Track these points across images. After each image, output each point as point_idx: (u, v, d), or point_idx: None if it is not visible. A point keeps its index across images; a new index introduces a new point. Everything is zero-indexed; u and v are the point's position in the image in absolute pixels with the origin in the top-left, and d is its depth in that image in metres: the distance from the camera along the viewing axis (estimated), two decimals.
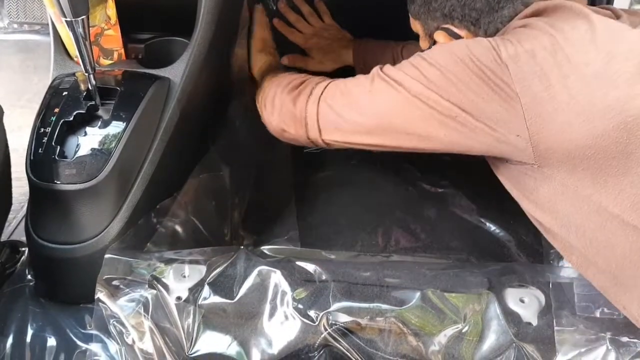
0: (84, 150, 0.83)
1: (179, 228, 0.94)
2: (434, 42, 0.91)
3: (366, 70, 1.27)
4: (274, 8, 1.32)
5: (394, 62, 1.19)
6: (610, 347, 0.76)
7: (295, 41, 1.30)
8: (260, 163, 1.19)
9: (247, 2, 1.11)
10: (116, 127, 0.85)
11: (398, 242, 1.07)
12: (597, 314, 0.79)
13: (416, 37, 0.98)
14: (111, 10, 0.95)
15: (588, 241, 0.75)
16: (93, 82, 0.85)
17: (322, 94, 0.86)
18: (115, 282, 0.80)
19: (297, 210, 1.14)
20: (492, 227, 1.06)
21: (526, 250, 0.86)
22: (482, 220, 1.07)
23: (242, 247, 0.90)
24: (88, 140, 0.84)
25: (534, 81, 0.71)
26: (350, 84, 0.85)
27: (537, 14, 0.81)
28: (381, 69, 0.82)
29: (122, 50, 1.00)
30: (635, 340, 0.76)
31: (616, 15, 0.80)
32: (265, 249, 1.00)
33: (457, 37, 0.88)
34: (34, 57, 1.62)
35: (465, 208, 1.10)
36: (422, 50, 0.94)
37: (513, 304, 0.82)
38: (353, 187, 1.19)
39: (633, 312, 0.74)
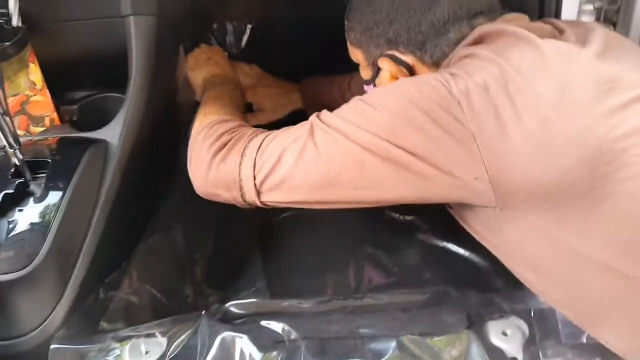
0: (16, 235, 0.76)
1: (133, 299, 0.88)
2: (378, 70, 0.85)
3: (318, 110, 1.24)
4: None
5: (342, 97, 1.16)
6: None
7: None
8: (219, 212, 1.13)
9: (182, 49, 1.06)
10: (50, 201, 0.79)
11: (371, 280, 1.02)
12: (584, 340, 0.76)
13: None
14: (35, 75, 0.89)
15: (560, 282, 0.72)
16: (20, 156, 0.80)
17: (257, 152, 0.77)
18: None
19: (262, 258, 1.07)
20: (466, 253, 1.01)
21: (503, 273, 0.82)
22: (454, 247, 1.03)
23: (204, 312, 0.84)
24: (20, 222, 0.77)
25: (488, 118, 0.66)
26: (287, 138, 0.77)
27: (480, 40, 0.75)
28: (319, 117, 0.76)
29: (54, 115, 0.95)
30: None
31: (559, 30, 0.75)
32: (231, 305, 0.94)
33: (403, 63, 0.82)
34: None
35: (435, 235, 1.05)
36: (366, 81, 0.90)
37: (496, 339, 0.78)
38: (319, 224, 1.12)
39: (618, 347, 0.70)
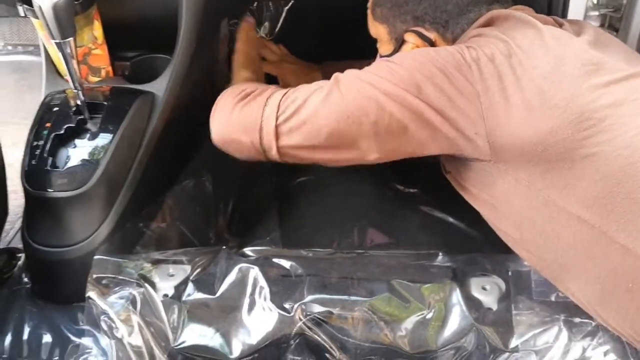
0: (74, 161, 0.90)
1: (165, 232, 1.01)
2: (400, 45, 0.95)
3: None
4: None
5: None
6: (562, 327, 0.82)
7: (267, 70, 1.23)
8: (243, 170, 1.25)
9: (227, 21, 1.18)
10: (104, 138, 0.92)
11: (373, 240, 1.14)
12: (552, 298, 0.86)
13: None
14: (98, 31, 1.02)
15: (538, 233, 0.81)
16: (82, 97, 0.93)
17: (282, 97, 0.83)
18: (105, 281, 0.87)
19: (278, 214, 1.20)
20: (459, 223, 1.13)
21: (491, 242, 0.93)
22: (450, 217, 1.14)
23: (224, 247, 0.96)
24: (78, 151, 0.91)
25: (492, 82, 0.77)
26: (312, 87, 0.84)
27: (489, 23, 0.88)
28: (343, 72, 0.84)
29: (110, 68, 1.07)
30: (587, 321, 0.83)
31: (558, 24, 0.88)
32: (248, 249, 1.06)
33: (427, 39, 0.92)
34: (28, 77, 1.69)
35: (434, 206, 1.17)
36: (383, 56, 0.98)
37: (475, 292, 0.88)
38: (331, 190, 1.25)
39: (580, 299, 0.80)
